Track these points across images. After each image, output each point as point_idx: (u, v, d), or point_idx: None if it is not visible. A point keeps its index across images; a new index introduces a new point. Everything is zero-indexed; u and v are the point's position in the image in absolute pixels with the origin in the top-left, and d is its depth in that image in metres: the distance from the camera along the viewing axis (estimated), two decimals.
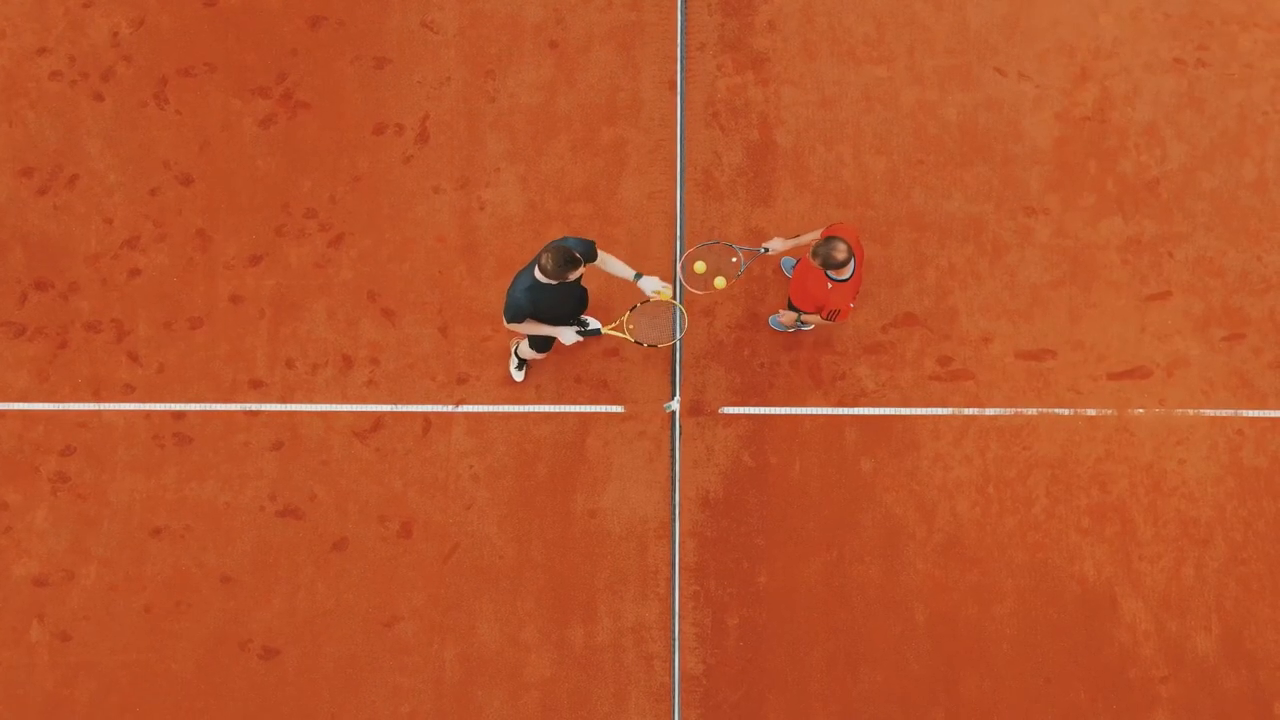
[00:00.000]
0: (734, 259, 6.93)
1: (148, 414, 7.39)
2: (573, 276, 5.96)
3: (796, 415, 7.46)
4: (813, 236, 6.56)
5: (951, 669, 7.12)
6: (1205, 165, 7.73)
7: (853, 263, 6.28)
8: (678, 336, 6.80)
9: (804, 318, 6.97)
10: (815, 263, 6.12)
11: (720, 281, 6.72)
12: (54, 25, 7.89)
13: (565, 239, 6.11)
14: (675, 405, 7.48)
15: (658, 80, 7.90)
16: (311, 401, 7.45)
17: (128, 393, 7.42)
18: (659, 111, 7.85)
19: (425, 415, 7.44)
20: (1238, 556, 7.22)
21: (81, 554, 7.21)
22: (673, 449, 7.46)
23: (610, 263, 6.34)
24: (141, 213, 7.65)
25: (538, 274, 5.99)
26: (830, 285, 6.35)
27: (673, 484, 7.41)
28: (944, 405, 7.44)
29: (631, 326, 6.62)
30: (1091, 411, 7.42)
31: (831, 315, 6.50)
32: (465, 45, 7.92)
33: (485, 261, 7.59)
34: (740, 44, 7.94)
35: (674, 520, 7.36)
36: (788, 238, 6.76)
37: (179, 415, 7.38)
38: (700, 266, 6.75)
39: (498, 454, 7.40)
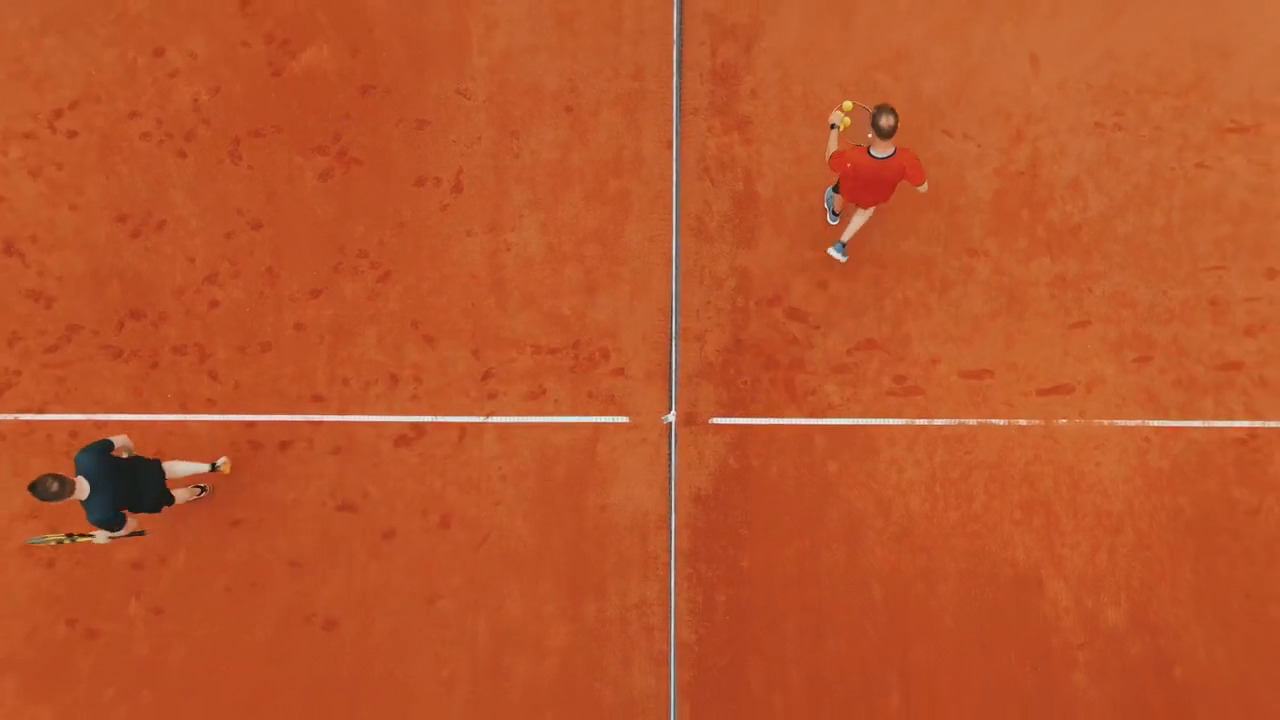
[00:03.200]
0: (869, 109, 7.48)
1: (226, 424, 8.45)
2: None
3: (774, 425, 8.46)
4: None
5: (904, 638, 8.16)
6: (1120, 214, 8.72)
7: (891, 151, 6.93)
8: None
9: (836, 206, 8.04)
10: (868, 110, 6.76)
11: (842, 116, 7.27)
12: (144, 93, 8.96)
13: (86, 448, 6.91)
14: (672, 417, 8.46)
15: (657, 140, 8.88)
16: (364, 413, 8.46)
17: (209, 406, 8.49)
18: (658, 166, 8.83)
19: (460, 425, 8.47)
20: (1143, 543, 8.28)
21: (172, 542, 8.31)
22: (670, 453, 8.42)
23: None
24: (219, 253, 8.73)
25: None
26: (856, 147, 7.06)
27: (670, 483, 8.38)
28: (899, 417, 8.46)
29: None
30: (1023, 422, 8.46)
31: (833, 162, 7.09)
32: (493, 110, 8.94)
33: (511, 295, 8.64)
34: (727, 109, 8.95)
35: (671, 514, 8.34)
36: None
37: (252, 425, 8.45)
38: (845, 115, 7.27)
39: (522, 458, 8.43)
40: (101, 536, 7.08)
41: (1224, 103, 8.88)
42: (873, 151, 7.09)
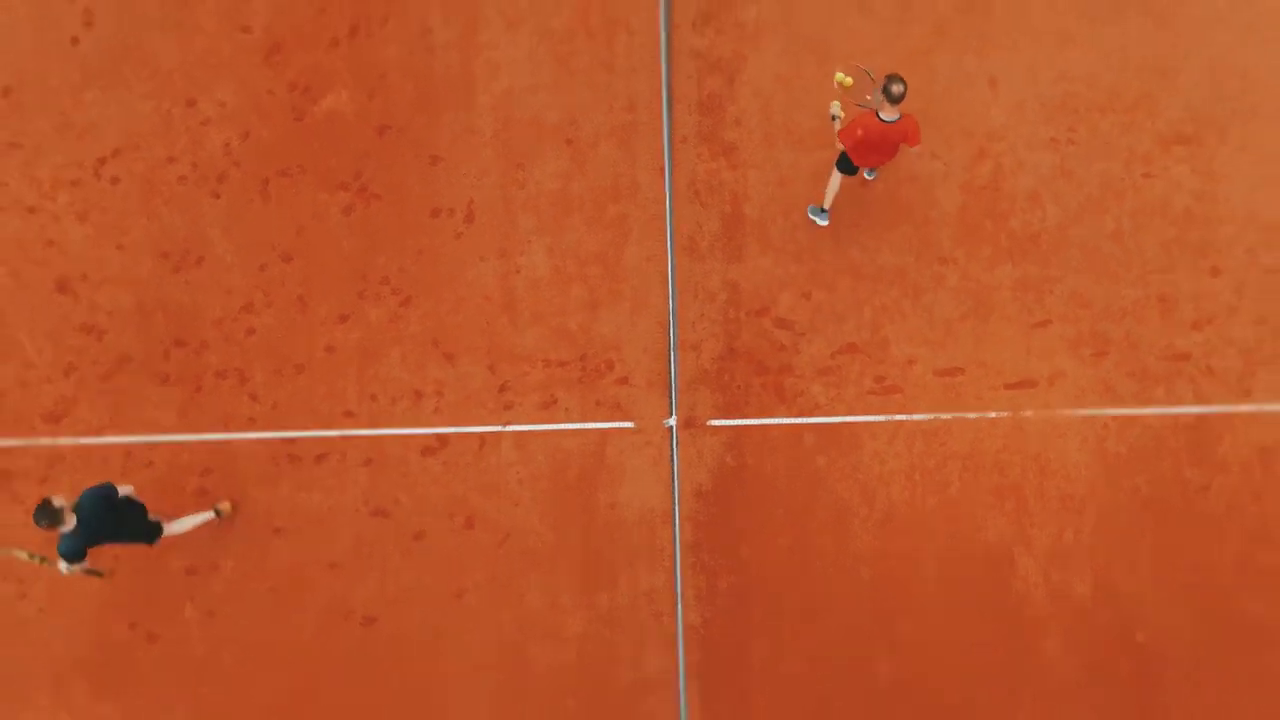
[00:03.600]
0: (869, 73, 8.19)
1: (266, 441, 9.10)
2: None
3: (766, 425, 9.07)
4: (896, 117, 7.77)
5: (889, 615, 8.81)
6: (1075, 222, 9.32)
7: (898, 116, 7.64)
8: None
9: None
10: (874, 78, 7.49)
11: (842, 79, 7.88)
12: (179, 140, 9.60)
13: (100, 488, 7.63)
14: (673, 421, 9.06)
15: (650, 167, 9.45)
16: (392, 427, 9.09)
17: (250, 424, 9.14)
18: (652, 192, 9.40)
19: (480, 435, 9.08)
20: (1105, 522, 8.92)
21: (221, 549, 8.99)
22: (672, 454, 9.02)
23: None
24: (254, 284, 9.37)
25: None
26: (866, 112, 7.76)
27: (673, 481, 8.98)
28: (880, 414, 9.08)
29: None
30: (992, 415, 9.09)
31: (842, 135, 7.80)
32: (500, 145, 9.50)
33: (522, 314, 9.26)
34: (714, 136, 9.52)
35: (675, 509, 8.95)
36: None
37: (290, 441, 9.10)
38: (844, 77, 7.87)
39: (538, 463, 9.07)
40: (63, 567, 7.48)
41: (1167, 118, 9.56)
42: (881, 115, 7.81)
